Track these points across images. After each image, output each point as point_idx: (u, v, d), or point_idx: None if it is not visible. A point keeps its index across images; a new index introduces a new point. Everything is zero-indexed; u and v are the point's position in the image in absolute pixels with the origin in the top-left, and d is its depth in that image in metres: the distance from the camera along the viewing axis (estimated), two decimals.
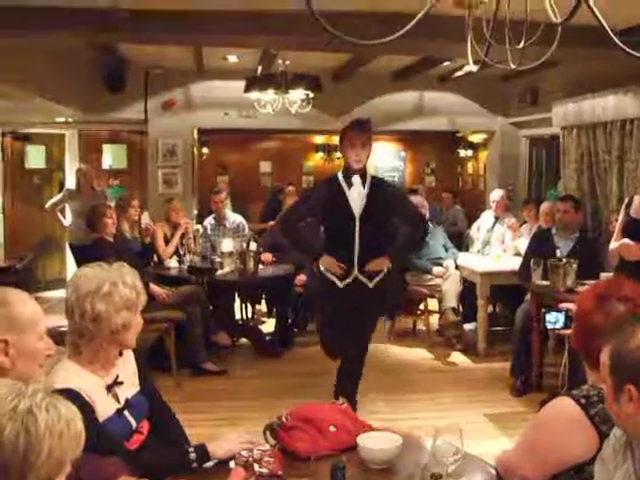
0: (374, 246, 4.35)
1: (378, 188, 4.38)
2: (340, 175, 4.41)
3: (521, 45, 1.83)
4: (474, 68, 2.14)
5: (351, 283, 4.35)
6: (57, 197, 8.05)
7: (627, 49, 1.64)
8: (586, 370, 1.96)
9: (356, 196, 4.31)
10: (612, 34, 1.60)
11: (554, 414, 1.88)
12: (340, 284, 4.36)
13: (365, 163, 4.40)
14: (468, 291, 6.64)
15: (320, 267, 4.47)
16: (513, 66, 1.97)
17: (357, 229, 4.29)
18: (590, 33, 2.42)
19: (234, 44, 6.14)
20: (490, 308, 6.91)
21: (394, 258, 4.49)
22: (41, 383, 1.48)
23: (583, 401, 1.80)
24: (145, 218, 6.60)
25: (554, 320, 2.27)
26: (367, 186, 4.34)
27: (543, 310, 2.33)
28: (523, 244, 6.36)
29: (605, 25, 1.56)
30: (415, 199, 7.19)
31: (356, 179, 4.33)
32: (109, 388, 2.18)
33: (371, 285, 4.37)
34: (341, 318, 4.41)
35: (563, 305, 2.28)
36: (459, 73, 7.97)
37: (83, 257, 5.83)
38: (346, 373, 4.59)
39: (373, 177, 4.48)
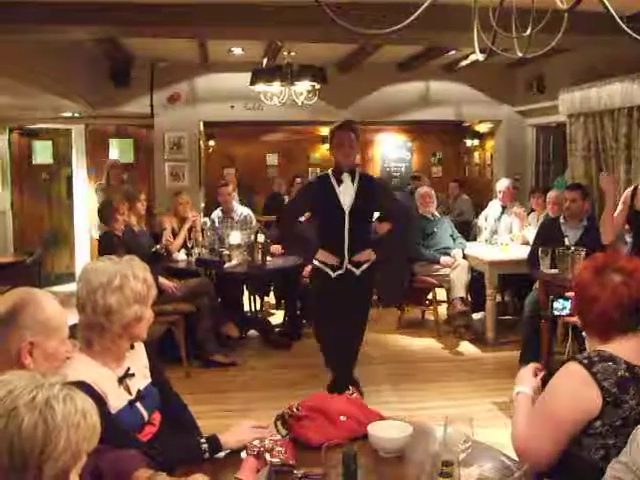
0: (362, 238, 4.62)
1: (366, 184, 4.62)
2: (331, 173, 4.63)
3: (528, 32, 1.82)
4: (480, 57, 2.13)
5: (342, 273, 4.57)
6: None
7: (634, 35, 1.63)
8: (586, 339, 2.11)
9: (345, 192, 4.54)
10: (619, 20, 1.60)
11: (563, 378, 1.97)
12: (333, 274, 4.58)
13: (353, 161, 4.68)
14: (476, 280, 6.64)
15: (314, 261, 4.69)
16: (520, 54, 1.96)
17: (347, 223, 4.52)
18: (597, 19, 2.42)
19: (239, 37, 6.13)
20: (498, 297, 6.90)
21: (379, 251, 4.72)
22: (58, 376, 1.52)
23: (586, 361, 1.93)
24: (167, 233, 6.56)
25: (561, 307, 2.32)
26: (356, 182, 4.57)
27: (551, 297, 2.37)
28: (531, 233, 6.35)
29: (612, 11, 1.56)
30: (422, 189, 7.21)
31: (345, 176, 4.57)
32: (121, 380, 2.19)
33: (358, 272, 4.59)
34: (334, 309, 4.58)
35: (570, 293, 2.31)
36: (465, 62, 7.94)
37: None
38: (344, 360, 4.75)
39: (361, 174, 4.71)
